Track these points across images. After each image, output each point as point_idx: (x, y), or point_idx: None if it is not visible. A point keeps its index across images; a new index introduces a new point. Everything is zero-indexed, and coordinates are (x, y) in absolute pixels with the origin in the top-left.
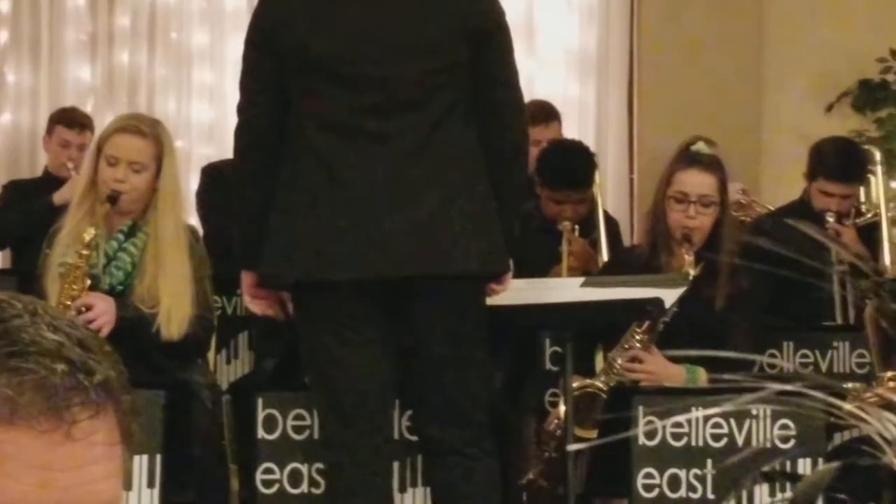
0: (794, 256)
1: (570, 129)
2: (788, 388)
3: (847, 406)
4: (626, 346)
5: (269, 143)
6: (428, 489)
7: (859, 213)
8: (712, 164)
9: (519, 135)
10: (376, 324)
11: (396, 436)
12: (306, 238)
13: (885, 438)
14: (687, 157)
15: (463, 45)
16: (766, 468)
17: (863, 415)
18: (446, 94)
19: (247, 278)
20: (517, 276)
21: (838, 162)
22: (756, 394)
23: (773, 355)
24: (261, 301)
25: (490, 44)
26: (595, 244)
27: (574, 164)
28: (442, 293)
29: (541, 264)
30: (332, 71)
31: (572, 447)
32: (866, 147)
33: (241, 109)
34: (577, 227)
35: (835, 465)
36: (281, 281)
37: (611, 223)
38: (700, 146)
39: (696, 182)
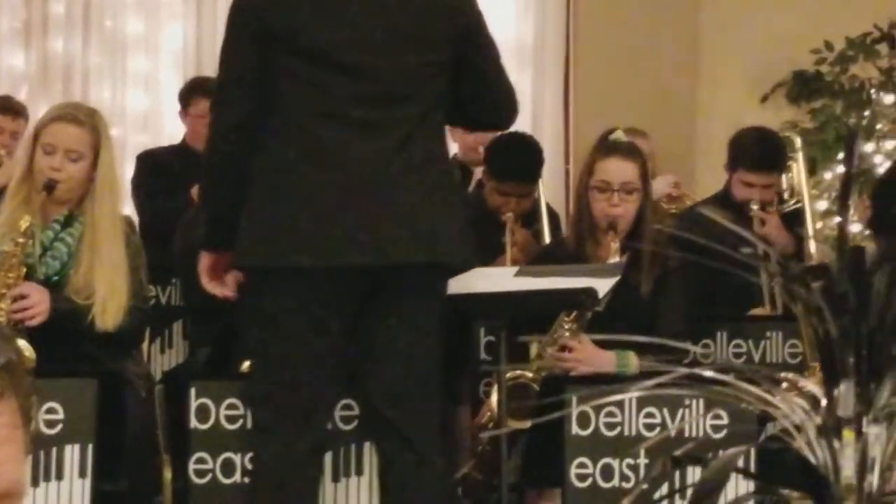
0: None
1: None
2: (696, 371)
3: (755, 391)
4: (556, 336)
5: (251, 125)
6: (362, 478)
7: (782, 201)
8: (632, 152)
9: (511, 118)
10: (344, 312)
11: (330, 426)
12: (291, 224)
13: (794, 424)
14: (607, 147)
15: (453, 43)
16: (677, 453)
17: (772, 400)
18: (435, 89)
19: (209, 259)
20: None
21: (757, 152)
22: (666, 377)
23: (706, 345)
24: (220, 283)
25: (479, 37)
26: (538, 236)
27: (524, 157)
28: (421, 282)
29: (483, 255)
30: (328, 58)
31: (501, 432)
32: (785, 135)
33: (224, 89)
34: (520, 218)
35: (741, 449)
36: (263, 263)
37: (553, 215)
38: (619, 134)
39: (618, 170)
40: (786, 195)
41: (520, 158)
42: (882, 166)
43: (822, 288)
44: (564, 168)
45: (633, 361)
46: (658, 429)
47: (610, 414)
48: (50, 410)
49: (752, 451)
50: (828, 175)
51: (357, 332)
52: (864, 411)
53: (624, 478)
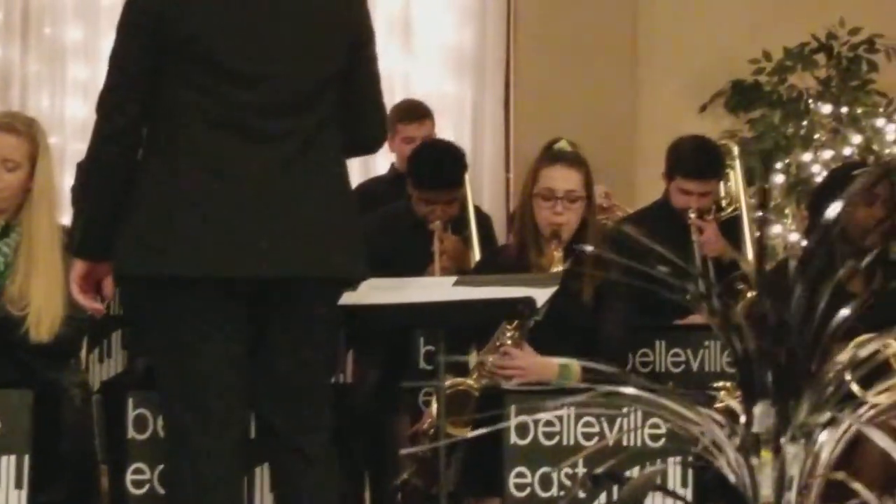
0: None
1: (447, 128)
2: (617, 389)
3: (673, 406)
4: (498, 344)
5: (136, 131)
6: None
7: (720, 209)
8: (577, 161)
9: (380, 144)
10: (240, 323)
11: None
12: (182, 233)
13: (714, 442)
14: (551, 155)
15: (346, 54)
16: (599, 470)
17: (691, 416)
18: (330, 100)
19: (82, 268)
20: (390, 275)
21: (695, 160)
22: (587, 394)
23: (645, 354)
24: (91, 294)
25: (366, 51)
26: (467, 242)
27: (444, 164)
28: (315, 295)
29: (413, 264)
30: (223, 66)
31: (442, 443)
32: (723, 143)
33: (111, 93)
34: (448, 225)
35: (660, 468)
36: (150, 273)
37: (483, 220)
38: (563, 144)
39: (562, 178)
40: (724, 203)
41: (439, 165)
42: (820, 176)
43: (742, 305)
44: (505, 176)
45: (575, 370)
46: (596, 438)
47: (548, 423)
48: None
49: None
50: (766, 185)
51: (254, 342)
52: (782, 429)
53: (562, 487)
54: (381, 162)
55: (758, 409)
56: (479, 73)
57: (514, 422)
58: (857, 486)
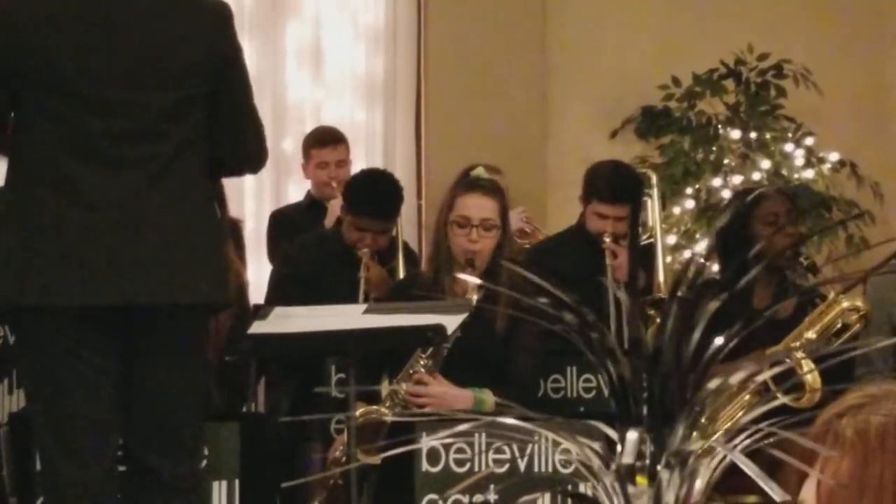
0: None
1: (358, 156)
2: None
3: (551, 435)
4: (411, 372)
5: None
6: None
7: (636, 236)
8: (492, 189)
9: (261, 163)
10: (105, 351)
11: None
12: (42, 262)
13: (585, 465)
14: (467, 183)
15: (209, 76)
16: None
17: (563, 442)
18: (189, 124)
19: None
20: (315, 301)
21: (612, 184)
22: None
23: (556, 380)
24: None
25: (232, 72)
26: (393, 273)
27: (382, 194)
28: (174, 322)
29: (337, 290)
30: (78, 93)
31: (353, 465)
32: (642, 171)
33: None
34: (375, 255)
35: (533, 496)
36: (10, 304)
37: (410, 253)
38: (479, 171)
39: (478, 206)
40: (639, 230)
41: (378, 195)
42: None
43: (617, 331)
44: (417, 203)
45: (489, 399)
46: (507, 465)
47: (460, 450)
48: None
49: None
50: (676, 210)
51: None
52: (657, 456)
53: None
54: (294, 190)
55: (629, 437)
56: (389, 102)
57: (425, 443)
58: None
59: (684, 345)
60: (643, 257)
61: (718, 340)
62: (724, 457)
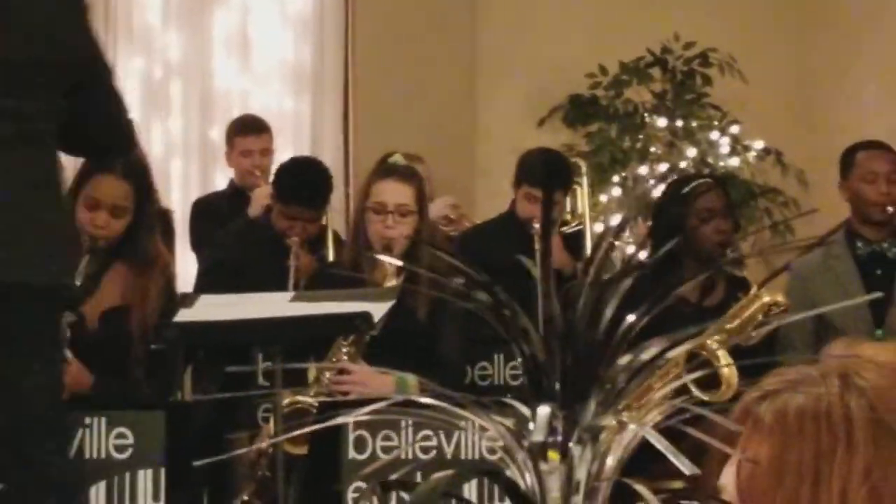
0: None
1: (286, 145)
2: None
3: (465, 414)
4: (334, 360)
5: None
6: None
7: (564, 223)
8: (408, 175)
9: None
10: None
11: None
12: None
13: (503, 447)
14: (383, 169)
15: (62, 67)
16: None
17: (484, 423)
18: (38, 108)
19: None
20: (243, 290)
21: (543, 169)
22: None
23: (483, 367)
24: None
25: (96, 66)
26: (323, 261)
27: (311, 182)
28: (11, 307)
29: (267, 279)
30: None
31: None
32: (573, 160)
33: None
34: (305, 243)
35: (450, 473)
36: None
37: (339, 241)
38: (397, 158)
39: (393, 192)
40: (568, 217)
41: (307, 183)
42: (656, 189)
43: (529, 311)
44: (345, 191)
45: (412, 384)
46: (434, 451)
47: (387, 437)
48: None
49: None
50: (604, 198)
51: None
52: (569, 432)
53: (401, 500)
54: (222, 179)
55: (541, 413)
56: (317, 90)
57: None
58: (641, 489)
59: (597, 322)
60: (571, 244)
61: (630, 318)
62: (638, 433)
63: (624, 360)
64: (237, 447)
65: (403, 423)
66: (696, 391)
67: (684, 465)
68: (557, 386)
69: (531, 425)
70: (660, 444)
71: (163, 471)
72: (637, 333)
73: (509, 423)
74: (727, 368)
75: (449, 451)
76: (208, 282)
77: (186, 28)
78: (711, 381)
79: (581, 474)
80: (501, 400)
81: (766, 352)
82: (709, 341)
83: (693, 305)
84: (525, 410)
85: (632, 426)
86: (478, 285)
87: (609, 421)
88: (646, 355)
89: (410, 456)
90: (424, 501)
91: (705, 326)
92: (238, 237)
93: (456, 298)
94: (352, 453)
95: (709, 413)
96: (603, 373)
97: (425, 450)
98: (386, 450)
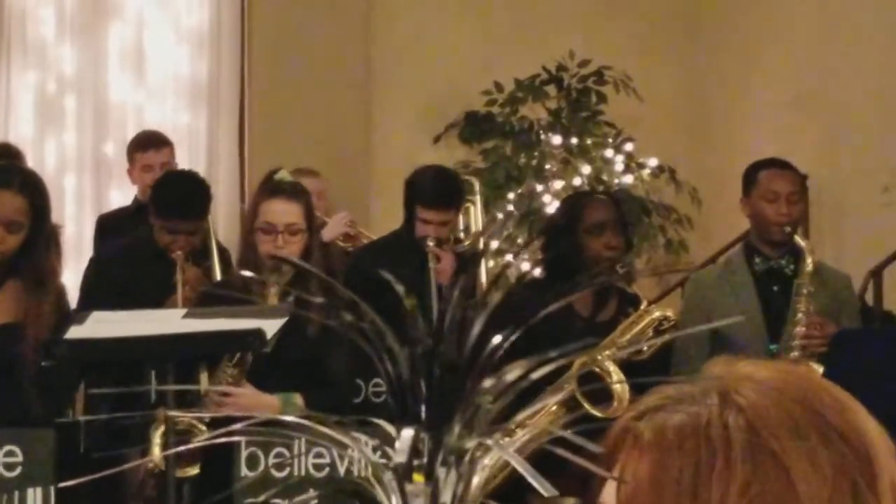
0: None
1: (182, 159)
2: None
3: (331, 433)
4: (219, 381)
5: None
6: None
7: (458, 241)
8: (295, 192)
9: None
10: None
11: None
12: None
13: (366, 463)
14: (270, 188)
15: None
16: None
17: (349, 443)
18: None
19: None
20: (131, 306)
21: (435, 189)
22: (243, 423)
23: (377, 384)
24: None
25: None
26: (209, 273)
27: (188, 194)
28: None
29: (154, 294)
30: None
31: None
32: (465, 178)
33: None
34: (190, 256)
35: (313, 495)
36: None
37: (223, 252)
38: (282, 174)
39: (281, 211)
40: (462, 235)
41: (183, 195)
42: (551, 206)
43: (395, 329)
44: (240, 207)
45: (298, 403)
46: (327, 469)
47: (279, 455)
48: None
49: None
50: (499, 214)
51: None
52: (435, 455)
53: None
54: (116, 195)
55: (404, 434)
56: (213, 105)
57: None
58: None
59: (464, 343)
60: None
61: (496, 339)
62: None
63: (488, 382)
64: (128, 463)
65: (295, 440)
66: (587, 406)
67: (543, 488)
68: (423, 407)
69: (397, 445)
70: (520, 466)
71: (52, 489)
72: (524, 349)
73: (374, 443)
74: (619, 385)
75: (342, 468)
76: (92, 301)
77: (81, 42)
78: (604, 396)
79: (447, 496)
80: (368, 420)
81: (661, 367)
82: (600, 357)
83: (585, 320)
84: (392, 430)
85: (497, 449)
86: (343, 303)
87: (473, 443)
88: (510, 377)
89: (304, 473)
90: None
91: (597, 341)
92: (120, 255)
93: (319, 317)
94: (244, 470)
95: (575, 437)
96: (468, 394)
97: (318, 467)
98: (278, 467)
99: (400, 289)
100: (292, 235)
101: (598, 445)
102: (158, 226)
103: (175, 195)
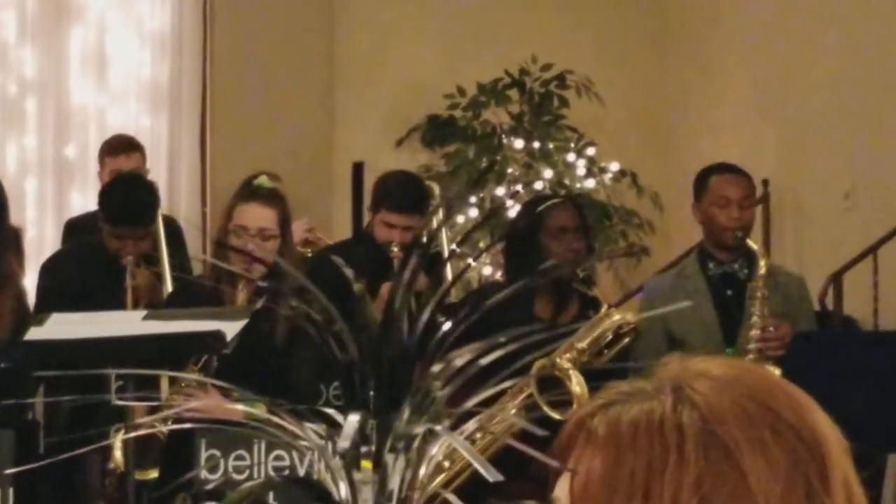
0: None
1: None
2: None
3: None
4: (183, 385)
5: None
6: None
7: (420, 247)
8: (271, 197)
9: None
10: None
11: None
12: None
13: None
14: (247, 192)
15: None
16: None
17: (297, 431)
18: None
19: None
20: (81, 309)
21: (400, 193)
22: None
23: (338, 388)
24: None
25: None
26: (160, 277)
27: (134, 200)
28: None
29: (106, 299)
30: None
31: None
32: (427, 183)
33: None
34: (141, 260)
35: (260, 481)
36: None
37: (174, 254)
38: (262, 180)
39: (255, 216)
40: (423, 240)
41: (131, 200)
42: (513, 210)
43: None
44: (202, 210)
45: (263, 410)
46: (287, 471)
47: (239, 457)
48: None
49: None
50: (461, 219)
51: None
52: (382, 440)
53: None
54: (78, 198)
55: (349, 420)
56: (175, 108)
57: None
58: (451, 497)
59: (413, 330)
60: (428, 266)
61: (446, 326)
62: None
63: (437, 367)
64: (88, 467)
65: (255, 443)
66: (547, 410)
67: (489, 473)
68: (371, 393)
69: (343, 431)
70: (467, 452)
71: (11, 491)
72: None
73: (321, 430)
74: (578, 387)
75: (302, 469)
76: (45, 307)
77: (42, 44)
78: (564, 400)
79: (394, 483)
80: (317, 408)
81: (619, 372)
82: (559, 360)
83: (545, 323)
84: (340, 419)
85: (445, 435)
86: (295, 292)
87: (421, 429)
88: (459, 361)
89: (263, 476)
90: None
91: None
92: (70, 261)
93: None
94: (204, 473)
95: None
96: (416, 380)
97: (277, 469)
98: (238, 469)
99: (348, 272)
100: (264, 241)
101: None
102: (107, 232)
103: (123, 201)
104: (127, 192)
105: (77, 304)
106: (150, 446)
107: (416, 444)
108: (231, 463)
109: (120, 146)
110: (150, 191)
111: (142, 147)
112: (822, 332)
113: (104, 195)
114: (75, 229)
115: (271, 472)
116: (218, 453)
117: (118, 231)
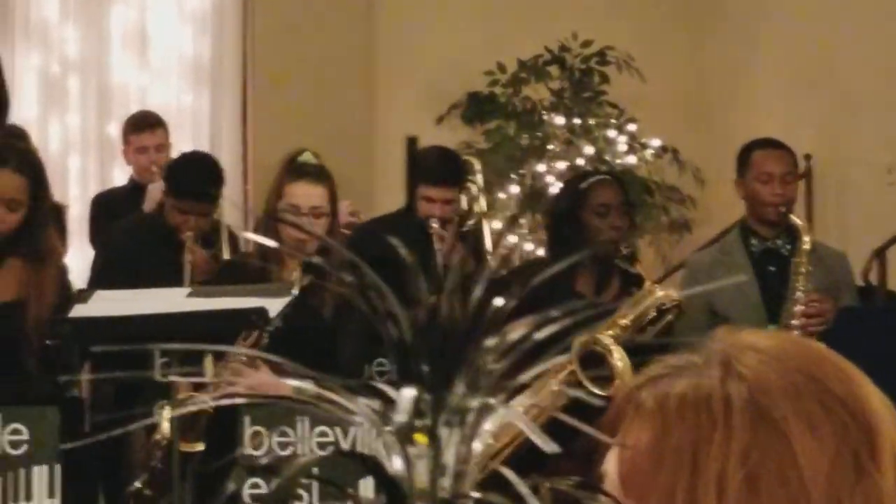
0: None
1: (184, 140)
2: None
3: (334, 398)
4: (233, 363)
5: None
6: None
7: (462, 223)
8: (321, 175)
9: None
10: None
11: None
12: None
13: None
14: (295, 170)
15: None
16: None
17: (349, 406)
18: None
19: None
20: (138, 285)
21: (439, 167)
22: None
23: (381, 363)
24: None
25: None
26: (217, 257)
27: (203, 176)
28: None
29: (161, 275)
30: None
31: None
32: (466, 158)
33: None
34: (199, 239)
35: (315, 457)
36: None
37: (233, 237)
38: (307, 157)
39: (307, 195)
40: (464, 216)
41: (199, 177)
42: (554, 186)
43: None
44: (243, 188)
45: (310, 388)
46: (331, 448)
47: (283, 434)
48: None
49: None
50: (502, 195)
51: None
52: (438, 416)
53: (297, 497)
54: (120, 174)
55: (404, 395)
56: (216, 85)
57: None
58: (508, 473)
59: (465, 305)
60: (468, 241)
61: (499, 301)
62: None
63: (491, 341)
64: (132, 441)
65: (299, 419)
66: (589, 385)
67: (546, 445)
68: (425, 368)
69: (398, 405)
70: (522, 424)
71: (58, 467)
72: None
73: (376, 405)
74: (620, 363)
75: (346, 445)
76: (103, 279)
77: (84, 23)
78: (605, 377)
79: (449, 457)
80: (370, 383)
81: (661, 346)
82: (601, 336)
83: (589, 300)
84: (394, 394)
85: (500, 409)
86: (345, 266)
87: (476, 403)
88: (513, 336)
89: (308, 452)
90: (287, 486)
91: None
92: (130, 234)
93: (320, 279)
94: (248, 449)
95: (581, 394)
96: (471, 354)
97: (321, 445)
98: (283, 446)
99: (401, 247)
100: (316, 219)
101: (601, 416)
102: (170, 205)
103: (191, 177)
104: (194, 168)
105: (133, 277)
106: (198, 419)
107: (470, 418)
108: (275, 439)
109: (144, 122)
110: (216, 168)
111: (165, 123)
112: (866, 308)
113: (173, 169)
114: (103, 205)
115: (315, 448)
116: (262, 429)
117: (182, 206)
